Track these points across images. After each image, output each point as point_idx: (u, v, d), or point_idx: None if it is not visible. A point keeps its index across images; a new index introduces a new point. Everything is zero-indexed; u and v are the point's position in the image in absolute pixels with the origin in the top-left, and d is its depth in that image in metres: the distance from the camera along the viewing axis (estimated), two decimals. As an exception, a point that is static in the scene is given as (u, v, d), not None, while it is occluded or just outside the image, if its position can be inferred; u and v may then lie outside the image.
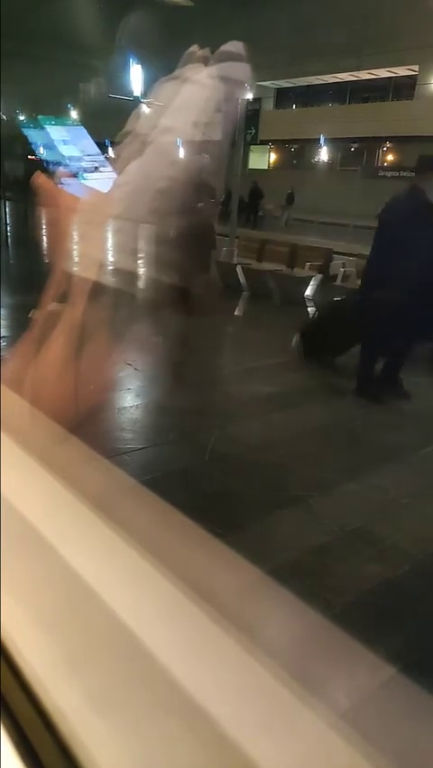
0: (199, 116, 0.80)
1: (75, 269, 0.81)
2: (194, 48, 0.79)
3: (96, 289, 0.80)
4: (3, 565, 0.41)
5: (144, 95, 17.62)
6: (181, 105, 0.80)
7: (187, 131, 0.80)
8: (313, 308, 7.22)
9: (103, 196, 0.84)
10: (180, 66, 0.80)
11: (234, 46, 0.79)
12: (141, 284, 0.87)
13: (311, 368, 4.79)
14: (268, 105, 30.45)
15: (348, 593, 2.18)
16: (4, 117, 24.23)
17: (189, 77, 0.80)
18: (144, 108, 0.85)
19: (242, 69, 0.82)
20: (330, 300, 5.92)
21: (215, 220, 5.86)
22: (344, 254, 8.51)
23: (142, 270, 0.91)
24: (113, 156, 0.91)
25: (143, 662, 0.34)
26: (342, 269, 7.54)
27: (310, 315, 5.35)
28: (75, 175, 1.00)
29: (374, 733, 0.33)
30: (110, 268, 0.84)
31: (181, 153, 0.83)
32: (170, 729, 0.32)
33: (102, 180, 1.00)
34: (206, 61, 0.80)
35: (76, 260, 0.81)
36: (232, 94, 0.81)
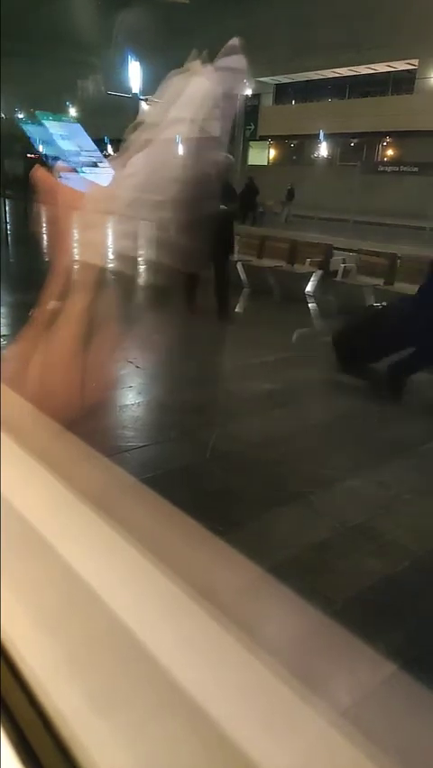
0: (205, 110, 0.81)
1: (80, 256, 0.81)
2: (195, 50, 0.82)
3: (100, 281, 0.81)
4: (2, 565, 0.41)
5: (142, 92, 17.60)
6: (189, 98, 0.81)
7: (194, 124, 0.81)
8: (314, 305, 7.21)
9: (106, 190, 0.84)
10: (186, 63, 0.82)
11: (232, 41, 0.81)
12: (144, 278, 0.87)
13: (314, 365, 4.79)
14: (267, 100, 30.39)
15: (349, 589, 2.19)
16: (3, 116, 24.21)
17: (197, 70, 0.81)
18: (151, 102, 0.86)
19: (240, 61, 0.84)
20: (370, 306, 5.82)
21: (232, 215, 5.83)
22: (344, 250, 8.49)
23: (144, 265, 0.90)
24: (113, 152, 0.92)
25: (144, 661, 0.34)
26: (342, 265, 7.53)
27: (345, 323, 5.18)
28: (74, 169, 1.00)
29: (376, 730, 0.33)
30: (111, 265, 0.84)
31: (187, 147, 0.83)
32: (171, 729, 0.32)
33: (100, 175, 1.01)
34: (206, 60, 0.82)
35: (80, 249, 0.81)
36: (232, 86, 0.83)
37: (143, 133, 0.83)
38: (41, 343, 0.82)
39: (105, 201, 0.83)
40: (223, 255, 5.85)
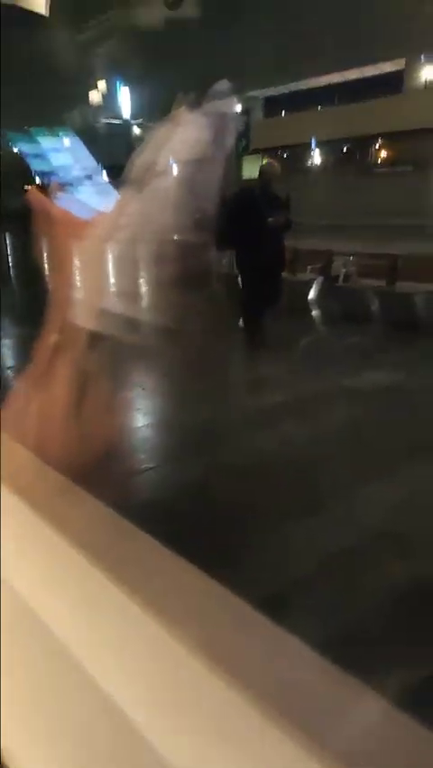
0: (193, 155, 0.81)
1: (74, 317, 0.80)
2: (180, 95, 0.83)
3: (96, 336, 0.79)
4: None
5: (133, 116, 17.81)
6: (174, 147, 0.81)
7: (182, 170, 0.82)
8: (318, 312, 7.18)
9: (108, 219, 0.83)
10: (173, 110, 0.83)
11: (220, 83, 0.83)
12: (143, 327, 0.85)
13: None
14: (257, 114, 30.60)
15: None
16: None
17: (181, 119, 0.82)
18: (139, 153, 0.86)
19: (230, 104, 0.85)
20: None
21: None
22: (344, 254, 8.44)
23: (144, 315, 0.87)
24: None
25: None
26: (343, 270, 7.49)
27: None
28: (69, 184, 0.99)
29: None
30: (111, 312, 0.82)
31: (179, 193, 0.83)
32: None
33: (96, 192, 1.01)
34: (194, 105, 0.83)
35: (75, 309, 0.79)
36: (224, 130, 0.84)
37: (135, 182, 0.82)
38: (43, 381, 0.79)
39: (108, 232, 0.82)
40: (275, 271, 5.60)
